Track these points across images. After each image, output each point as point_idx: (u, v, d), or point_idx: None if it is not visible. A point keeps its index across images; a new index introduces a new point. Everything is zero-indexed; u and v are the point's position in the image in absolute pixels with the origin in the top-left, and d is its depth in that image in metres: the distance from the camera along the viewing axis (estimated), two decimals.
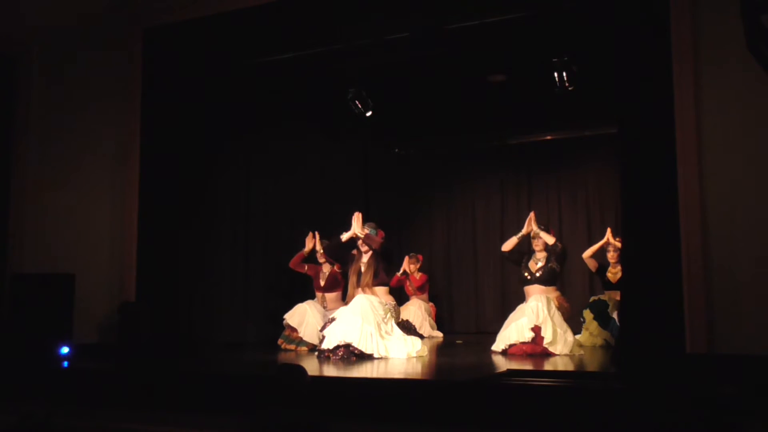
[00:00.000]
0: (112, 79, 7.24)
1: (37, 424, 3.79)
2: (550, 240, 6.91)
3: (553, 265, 6.88)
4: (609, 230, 7.82)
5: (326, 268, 7.78)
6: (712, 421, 3.85)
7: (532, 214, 7.10)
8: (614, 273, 7.67)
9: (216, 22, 6.81)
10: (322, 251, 7.66)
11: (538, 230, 6.96)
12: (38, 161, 7.35)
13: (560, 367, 5.75)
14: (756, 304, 4.93)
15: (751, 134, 5.09)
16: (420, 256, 9.66)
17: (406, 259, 9.54)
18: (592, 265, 7.91)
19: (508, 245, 7.21)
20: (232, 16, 6.72)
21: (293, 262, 7.87)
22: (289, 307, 7.76)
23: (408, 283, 9.52)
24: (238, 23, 6.75)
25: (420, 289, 9.50)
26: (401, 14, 6.39)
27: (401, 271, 9.50)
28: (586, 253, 7.94)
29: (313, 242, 7.75)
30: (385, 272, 6.79)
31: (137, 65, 7.13)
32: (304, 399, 3.44)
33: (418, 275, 9.55)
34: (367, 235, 6.66)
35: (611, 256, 7.76)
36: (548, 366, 5.83)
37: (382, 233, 6.86)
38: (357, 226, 6.71)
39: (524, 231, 7.05)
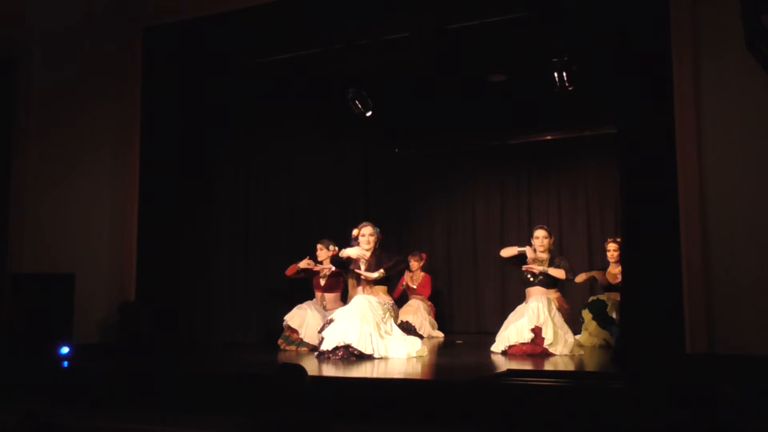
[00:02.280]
0: (112, 79, 7.24)
1: (38, 424, 3.79)
2: (561, 275, 6.79)
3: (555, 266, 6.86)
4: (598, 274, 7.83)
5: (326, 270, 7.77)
6: (712, 421, 3.85)
7: (533, 266, 6.90)
8: (614, 274, 7.66)
9: (216, 22, 6.81)
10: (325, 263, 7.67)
11: (546, 269, 6.83)
12: (38, 161, 7.35)
13: (560, 367, 5.75)
14: (756, 304, 4.94)
15: (752, 134, 5.10)
16: (424, 255, 9.63)
17: (410, 258, 9.53)
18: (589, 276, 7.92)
19: (507, 252, 7.13)
20: (232, 16, 6.72)
21: (290, 272, 7.85)
22: (289, 307, 7.75)
23: (410, 285, 9.50)
24: (238, 23, 6.75)
25: (424, 290, 9.48)
26: (401, 14, 6.39)
27: (404, 283, 9.49)
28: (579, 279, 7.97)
29: (310, 264, 7.71)
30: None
31: (137, 65, 7.13)
32: (304, 399, 3.44)
33: (421, 275, 9.53)
34: (387, 268, 6.63)
35: (611, 256, 7.76)
36: (548, 366, 5.83)
37: (380, 235, 6.84)
38: (369, 275, 6.65)
39: (529, 255, 6.86)
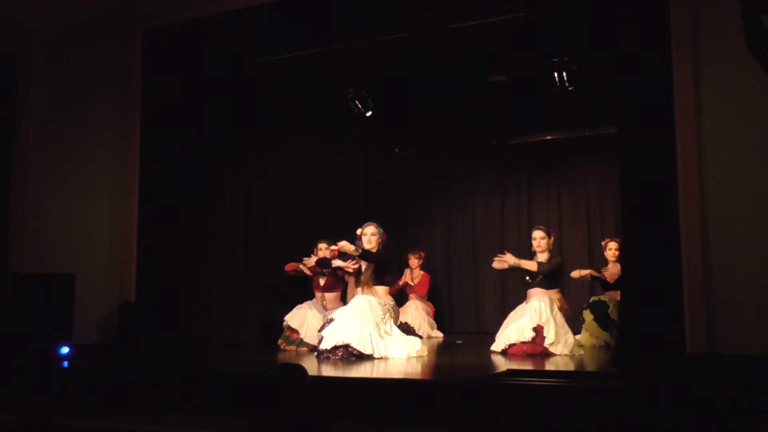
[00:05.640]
0: (112, 79, 7.24)
1: (37, 424, 3.79)
2: (533, 266, 6.79)
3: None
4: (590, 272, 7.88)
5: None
6: (712, 421, 3.85)
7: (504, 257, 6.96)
8: (612, 273, 7.66)
9: (216, 22, 6.81)
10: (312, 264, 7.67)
11: (518, 262, 6.84)
12: (38, 161, 7.35)
13: (560, 367, 5.75)
14: (756, 305, 4.94)
15: (751, 134, 5.10)
16: (422, 253, 9.64)
17: (410, 256, 9.54)
18: (586, 273, 7.90)
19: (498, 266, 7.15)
20: (232, 16, 6.72)
21: (289, 267, 7.85)
22: (289, 307, 7.75)
23: (409, 283, 9.50)
24: (237, 23, 6.75)
25: (422, 289, 9.49)
26: (401, 14, 6.39)
27: (402, 281, 9.48)
28: (574, 274, 7.93)
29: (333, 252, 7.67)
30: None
31: (137, 65, 7.14)
32: (305, 399, 3.44)
33: (420, 273, 9.53)
34: (366, 253, 6.59)
35: (612, 255, 7.75)
36: (548, 366, 5.83)
37: (384, 236, 6.82)
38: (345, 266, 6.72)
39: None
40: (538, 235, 7.00)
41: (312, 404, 3.42)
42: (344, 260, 6.93)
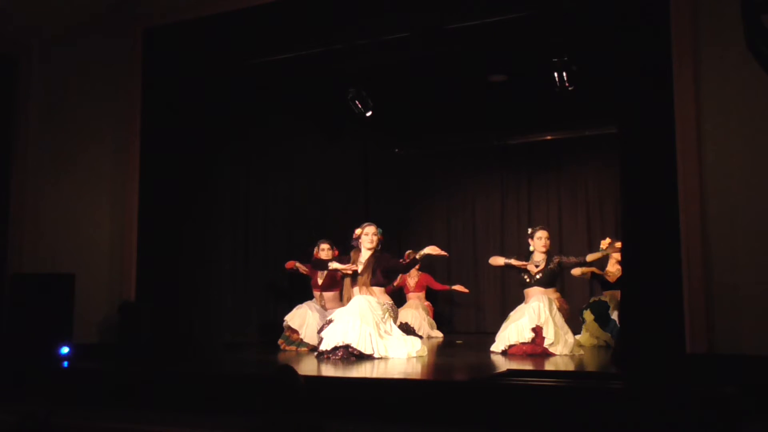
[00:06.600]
0: (113, 78, 7.24)
1: (37, 424, 3.78)
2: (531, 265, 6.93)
3: (553, 266, 6.86)
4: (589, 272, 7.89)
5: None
6: (712, 421, 3.85)
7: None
8: (612, 273, 7.66)
9: (216, 22, 6.81)
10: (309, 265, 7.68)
11: (509, 261, 7.02)
12: (38, 161, 7.35)
13: (560, 367, 5.75)
14: (756, 304, 4.93)
15: (751, 134, 5.10)
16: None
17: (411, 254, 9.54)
18: (586, 271, 7.90)
19: (494, 262, 7.22)
20: (232, 16, 6.72)
21: (289, 265, 7.86)
22: (289, 307, 7.75)
23: (408, 283, 9.50)
24: (237, 23, 6.75)
25: (421, 289, 9.49)
26: (401, 14, 6.39)
27: (397, 282, 9.48)
28: (575, 271, 7.93)
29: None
30: (382, 274, 6.74)
31: (137, 65, 7.13)
32: (300, 400, 3.44)
33: (418, 274, 9.52)
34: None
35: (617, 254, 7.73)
36: (548, 366, 5.83)
37: (381, 236, 6.83)
38: (341, 267, 6.72)
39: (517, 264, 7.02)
40: (544, 234, 6.99)
41: (309, 405, 3.41)
42: (342, 262, 6.93)
